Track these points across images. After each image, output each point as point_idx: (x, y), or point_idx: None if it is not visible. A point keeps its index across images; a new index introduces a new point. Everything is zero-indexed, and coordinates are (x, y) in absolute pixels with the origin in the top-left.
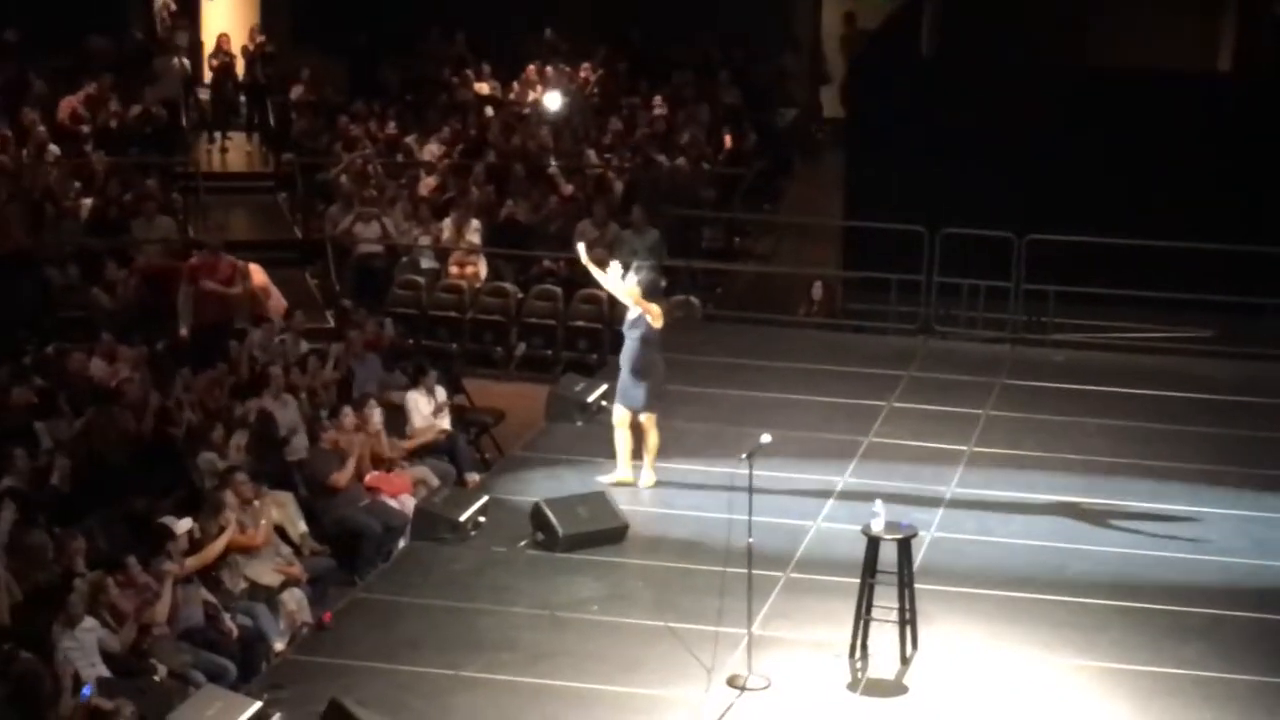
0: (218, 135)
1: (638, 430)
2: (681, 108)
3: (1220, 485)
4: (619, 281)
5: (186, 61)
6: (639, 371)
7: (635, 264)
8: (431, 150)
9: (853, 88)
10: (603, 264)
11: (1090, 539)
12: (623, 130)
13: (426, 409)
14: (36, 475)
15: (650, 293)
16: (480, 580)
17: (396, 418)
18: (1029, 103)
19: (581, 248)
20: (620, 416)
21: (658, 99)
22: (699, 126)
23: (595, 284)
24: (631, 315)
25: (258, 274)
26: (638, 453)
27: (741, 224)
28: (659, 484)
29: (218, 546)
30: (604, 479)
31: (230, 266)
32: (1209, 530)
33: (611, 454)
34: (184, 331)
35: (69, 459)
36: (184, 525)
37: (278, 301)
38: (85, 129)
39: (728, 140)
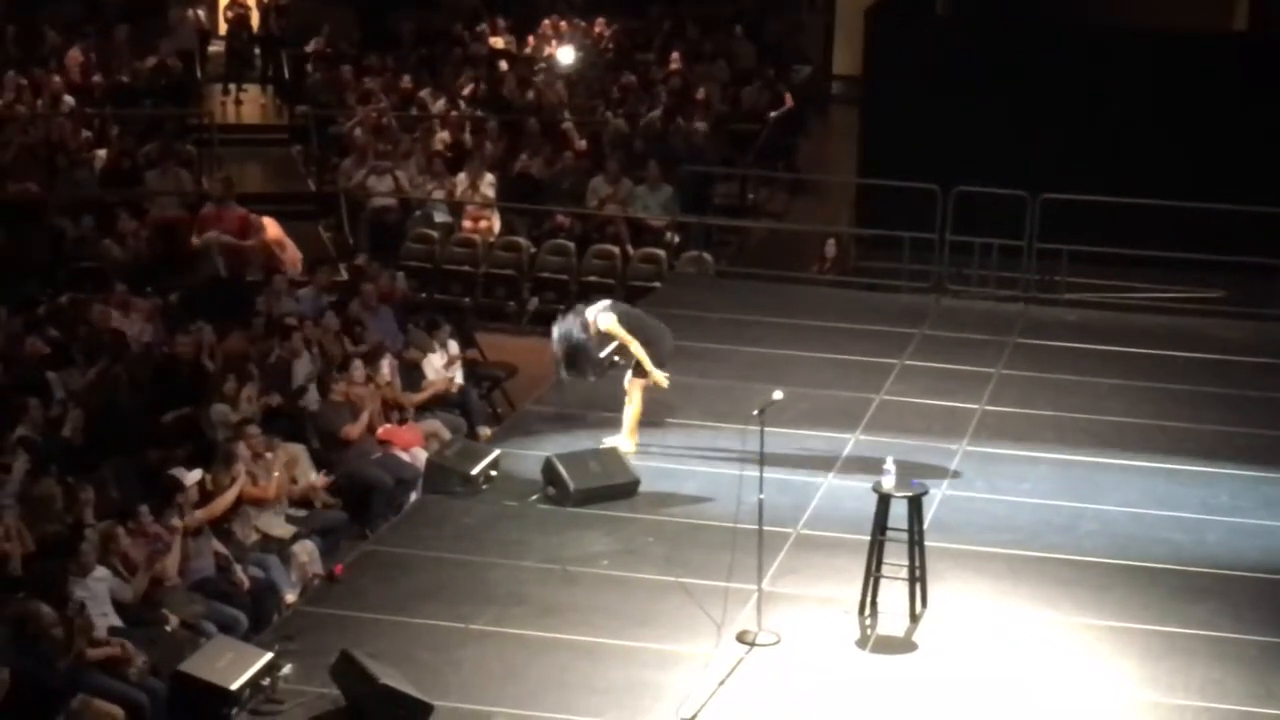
0: (232, 87)
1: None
2: (698, 63)
3: (1231, 445)
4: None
5: (201, 13)
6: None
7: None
8: (441, 105)
9: (868, 45)
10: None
11: (1100, 498)
12: (637, 85)
13: (439, 363)
14: (50, 425)
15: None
16: (491, 534)
17: (411, 374)
18: (1043, 61)
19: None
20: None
21: (675, 55)
22: (715, 83)
23: (608, 239)
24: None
25: (272, 227)
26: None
27: (755, 180)
28: (641, 449)
29: (227, 499)
30: (624, 448)
31: (241, 219)
32: (1219, 490)
33: (620, 408)
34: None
35: (82, 409)
36: (193, 477)
37: (293, 254)
38: (97, 79)
39: (788, 99)
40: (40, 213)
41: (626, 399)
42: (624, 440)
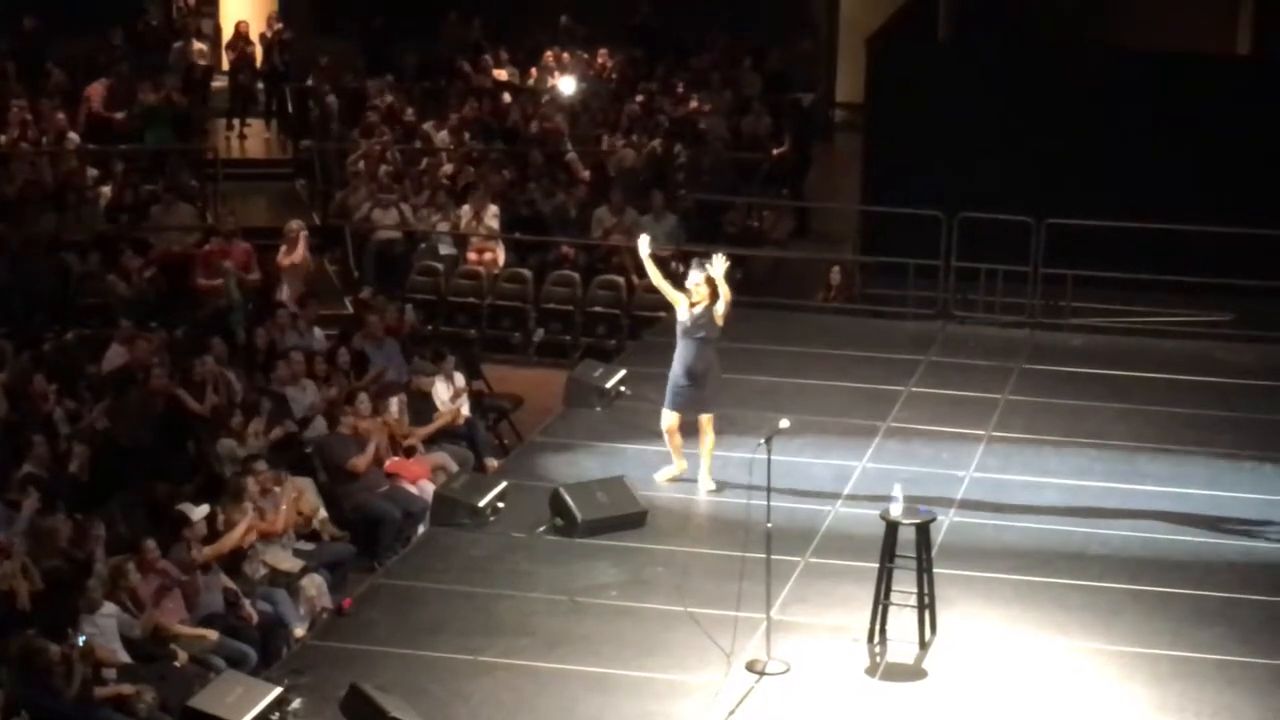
0: (236, 122)
1: (686, 432)
2: (705, 91)
3: (1239, 469)
4: (696, 274)
5: (204, 48)
6: (703, 374)
7: (697, 260)
8: (444, 137)
9: (870, 72)
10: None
11: (1109, 523)
12: (640, 115)
13: (445, 395)
14: (56, 462)
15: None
16: (499, 565)
17: (423, 405)
18: (1046, 86)
19: (644, 242)
20: (670, 421)
21: (679, 85)
22: (719, 116)
23: (612, 270)
24: (691, 315)
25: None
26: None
27: (760, 209)
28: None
29: (234, 537)
30: (659, 477)
31: (246, 253)
32: (1228, 514)
33: (631, 440)
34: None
35: (87, 446)
36: (200, 512)
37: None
38: (119, 116)
39: (784, 141)
40: (47, 249)
41: (668, 440)
42: (705, 478)
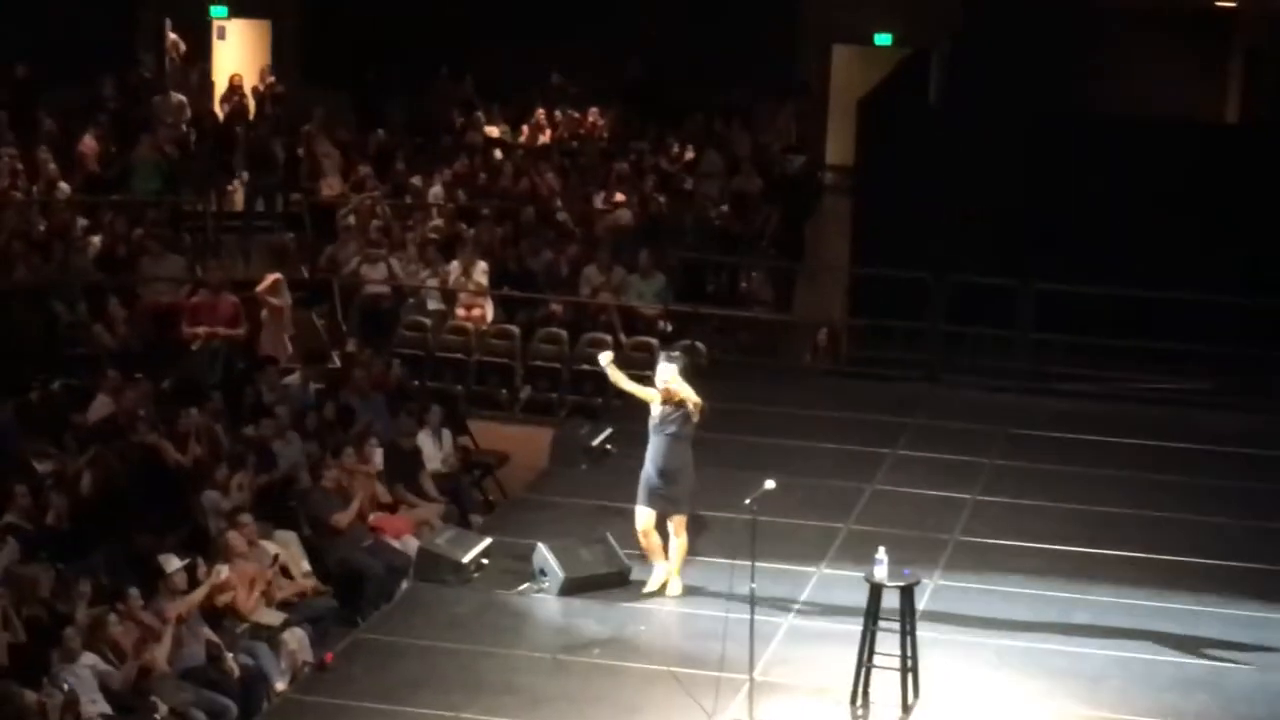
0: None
1: (663, 531)
2: (699, 151)
3: (1223, 537)
4: (655, 377)
5: (184, 99)
6: (675, 472)
7: (665, 353)
8: (436, 192)
9: (861, 135)
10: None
11: (1092, 588)
12: (629, 174)
13: (431, 449)
14: (39, 512)
15: (691, 377)
16: (482, 622)
17: (408, 460)
18: (1036, 151)
19: (605, 358)
20: (644, 521)
21: (671, 144)
22: (711, 179)
23: (600, 328)
24: (661, 411)
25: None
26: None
27: (747, 270)
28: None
29: (200, 594)
30: (649, 589)
31: (232, 306)
32: (1211, 581)
33: (617, 499)
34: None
35: (66, 496)
36: (177, 564)
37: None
38: (112, 171)
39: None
40: (35, 297)
41: (643, 542)
42: (675, 582)
